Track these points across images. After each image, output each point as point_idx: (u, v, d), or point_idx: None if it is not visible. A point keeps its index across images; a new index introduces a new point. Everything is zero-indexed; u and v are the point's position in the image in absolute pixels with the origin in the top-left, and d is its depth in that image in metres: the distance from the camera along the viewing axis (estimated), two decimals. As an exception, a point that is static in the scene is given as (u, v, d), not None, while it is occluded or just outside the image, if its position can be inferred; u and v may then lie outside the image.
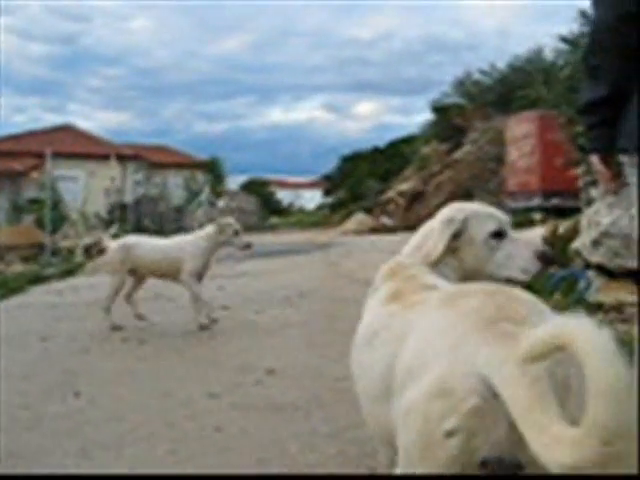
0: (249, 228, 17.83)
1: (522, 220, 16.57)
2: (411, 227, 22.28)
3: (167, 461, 3.09)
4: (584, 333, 1.10)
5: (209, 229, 6.49)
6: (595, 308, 6.01)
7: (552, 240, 8.53)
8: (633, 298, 6.47)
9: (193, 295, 6.33)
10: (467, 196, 22.06)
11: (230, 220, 6.58)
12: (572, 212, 15.30)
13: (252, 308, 7.24)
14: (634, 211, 6.94)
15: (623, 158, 2.14)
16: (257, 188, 40.06)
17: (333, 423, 3.59)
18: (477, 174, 22.22)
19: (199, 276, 6.38)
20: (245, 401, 4.00)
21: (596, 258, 6.91)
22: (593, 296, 6.74)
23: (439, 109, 24.94)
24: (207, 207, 24.81)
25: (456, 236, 2.11)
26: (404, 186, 25.17)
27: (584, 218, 7.51)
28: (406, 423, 1.46)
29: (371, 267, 10.76)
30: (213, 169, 32.41)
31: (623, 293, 6.75)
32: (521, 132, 17.02)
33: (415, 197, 24.20)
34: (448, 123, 24.70)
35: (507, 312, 1.45)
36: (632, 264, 6.56)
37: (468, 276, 2.13)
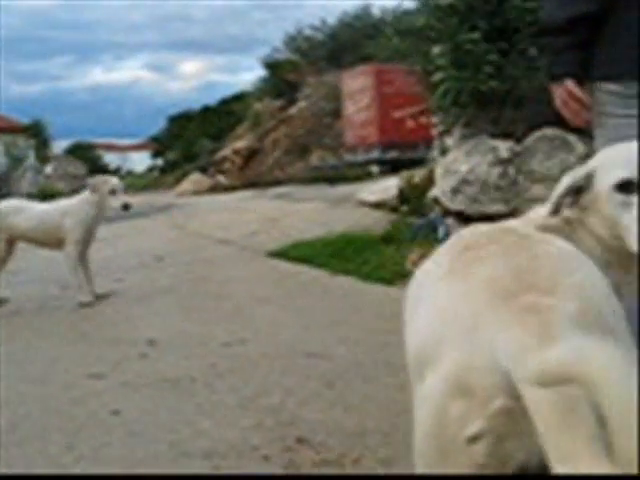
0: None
1: (360, 174, 16.86)
2: (250, 185, 22.01)
3: (65, 459, 2.68)
4: (601, 370, 0.88)
5: (87, 192, 5.75)
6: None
7: (408, 190, 8.65)
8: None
9: (72, 268, 5.64)
10: (304, 151, 22.18)
11: (106, 177, 5.89)
12: (412, 164, 15.77)
13: (110, 276, 6.69)
14: (491, 157, 7.03)
15: (606, 86, 1.96)
16: (83, 152, 37.94)
17: (238, 393, 3.33)
18: (313, 129, 22.31)
19: (85, 244, 5.73)
20: (135, 378, 3.62)
21: (456, 205, 7.05)
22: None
23: (271, 65, 24.67)
24: (33, 173, 23.03)
25: (580, 192, 1.59)
26: (239, 144, 24.85)
27: (440, 167, 7.63)
28: (421, 422, 1.22)
29: (220, 226, 10.39)
30: (37, 133, 30.04)
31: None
32: (358, 86, 17.18)
33: (251, 155, 23.98)
34: (281, 79, 24.54)
35: (530, 277, 1.19)
36: (489, 209, 6.77)
37: (613, 256, 1.57)
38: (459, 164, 7.06)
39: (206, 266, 7.16)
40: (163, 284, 6.27)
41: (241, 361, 3.82)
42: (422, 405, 1.21)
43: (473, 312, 1.17)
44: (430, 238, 7.11)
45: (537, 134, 6.54)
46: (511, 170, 6.62)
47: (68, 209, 5.67)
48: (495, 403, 1.09)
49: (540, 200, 6.64)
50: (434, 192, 7.64)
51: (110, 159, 45.39)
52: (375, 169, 17.45)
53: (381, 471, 2.39)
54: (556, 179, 6.39)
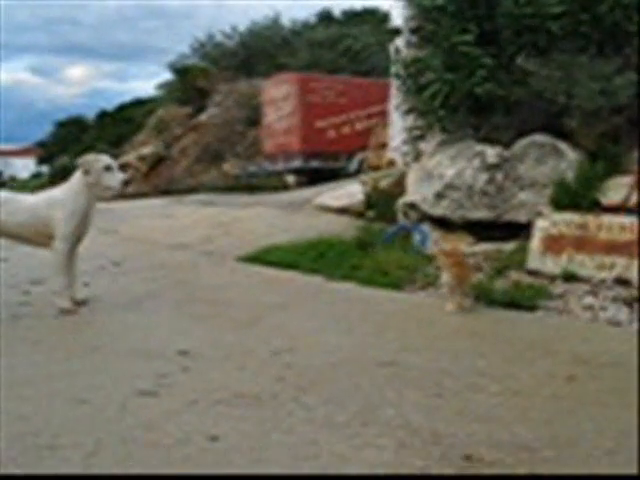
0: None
1: (277, 184, 16.43)
2: (162, 192, 21.10)
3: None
4: None
5: (75, 176, 4.95)
6: (440, 260, 5.84)
7: (375, 196, 8.38)
8: (472, 248, 6.50)
9: (57, 267, 4.90)
10: (216, 158, 21.59)
11: (96, 155, 5.05)
12: (332, 174, 15.55)
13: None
14: (477, 162, 6.83)
15: None
16: (-39, 156, 35.66)
17: (343, 408, 2.89)
18: (225, 137, 21.78)
19: (77, 239, 4.99)
20: (202, 394, 3.09)
21: (438, 211, 6.84)
22: (432, 249, 6.64)
23: (180, 71, 23.94)
24: None
25: None
26: (145, 150, 23.96)
27: (416, 172, 7.40)
28: None
29: (159, 232, 9.68)
30: None
31: (462, 244, 6.77)
32: (281, 93, 16.81)
33: (158, 161, 23.20)
34: (190, 86, 23.88)
35: None
36: (473, 215, 6.60)
37: None
38: (443, 168, 6.85)
39: (174, 271, 6.58)
40: (141, 289, 5.65)
41: (310, 372, 3.38)
42: None
43: None
44: (405, 244, 6.86)
45: (526, 140, 6.42)
46: (499, 176, 6.47)
47: (55, 201, 4.89)
48: None
49: (527, 206, 6.40)
50: (410, 197, 7.39)
51: (-10, 164, 42.90)
52: (291, 179, 17.11)
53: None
54: (546, 185, 6.19)
